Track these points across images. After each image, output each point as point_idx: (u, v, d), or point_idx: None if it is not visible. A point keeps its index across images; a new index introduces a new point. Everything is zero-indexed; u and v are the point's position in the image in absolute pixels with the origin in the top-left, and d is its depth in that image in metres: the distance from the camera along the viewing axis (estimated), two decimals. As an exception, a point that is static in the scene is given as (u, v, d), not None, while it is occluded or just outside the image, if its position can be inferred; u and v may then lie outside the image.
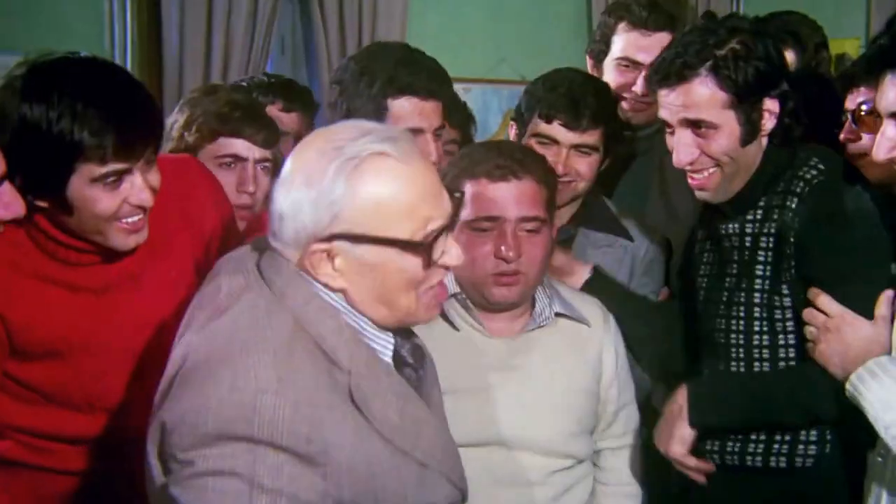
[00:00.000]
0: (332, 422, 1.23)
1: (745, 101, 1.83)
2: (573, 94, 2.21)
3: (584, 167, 2.25)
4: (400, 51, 2.10)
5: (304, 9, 4.20)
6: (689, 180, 1.93)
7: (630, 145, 2.60)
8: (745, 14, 2.06)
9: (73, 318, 1.69)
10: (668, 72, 1.84)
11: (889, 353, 1.72)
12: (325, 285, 1.30)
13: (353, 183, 1.25)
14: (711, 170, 1.88)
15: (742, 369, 1.94)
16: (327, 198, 1.25)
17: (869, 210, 1.83)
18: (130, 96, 1.61)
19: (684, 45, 1.85)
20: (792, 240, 1.84)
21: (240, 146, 2.27)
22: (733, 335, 1.95)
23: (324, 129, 1.38)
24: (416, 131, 1.96)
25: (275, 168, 2.26)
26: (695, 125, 1.85)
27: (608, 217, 2.37)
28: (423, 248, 1.29)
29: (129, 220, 1.63)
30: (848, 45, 4.39)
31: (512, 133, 2.38)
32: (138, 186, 1.60)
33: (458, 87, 2.75)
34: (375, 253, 1.28)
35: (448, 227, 1.34)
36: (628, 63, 2.59)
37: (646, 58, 2.42)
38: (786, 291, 1.87)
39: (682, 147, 1.87)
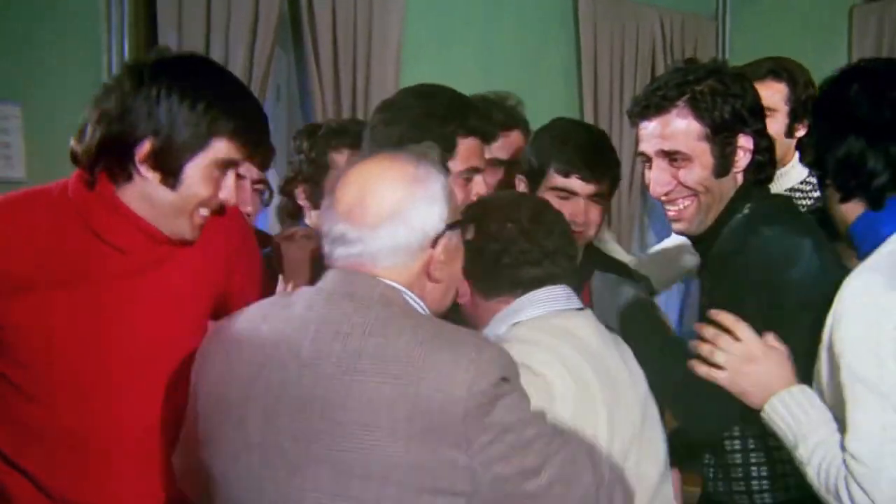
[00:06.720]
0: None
1: (719, 134, 1.88)
2: (584, 148, 2.29)
3: (596, 215, 2.32)
4: (455, 95, 2.14)
5: (300, 59, 4.30)
6: (666, 212, 1.96)
7: None
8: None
9: (66, 314, 1.70)
10: (648, 104, 1.91)
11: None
12: (429, 276, 1.49)
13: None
14: (687, 201, 1.92)
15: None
16: (435, 195, 1.49)
17: (771, 260, 1.80)
18: (253, 98, 1.83)
19: (665, 80, 1.92)
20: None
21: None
22: None
23: (368, 166, 1.53)
24: (476, 170, 2.06)
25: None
26: (670, 156, 1.90)
27: (612, 260, 2.45)
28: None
29: (205, 214, 1.74)
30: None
31: (521, 187, 2.40)
32: (230, 185, 1.73)
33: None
34: (456, 237, 1.55)
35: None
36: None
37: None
38: None
39: (658, 177, 1.92)
